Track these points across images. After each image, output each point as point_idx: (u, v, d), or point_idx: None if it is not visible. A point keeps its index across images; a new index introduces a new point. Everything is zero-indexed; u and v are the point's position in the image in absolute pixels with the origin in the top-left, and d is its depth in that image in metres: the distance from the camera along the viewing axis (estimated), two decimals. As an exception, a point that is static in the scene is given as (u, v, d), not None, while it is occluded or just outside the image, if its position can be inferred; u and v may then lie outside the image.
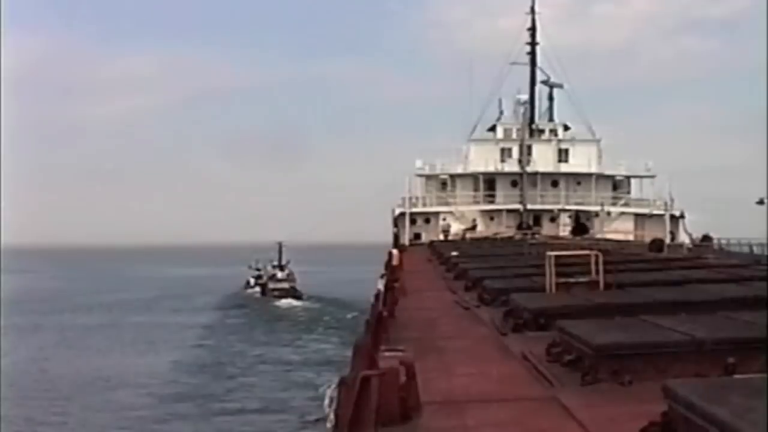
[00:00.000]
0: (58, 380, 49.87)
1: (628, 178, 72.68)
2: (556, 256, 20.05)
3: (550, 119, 77.38)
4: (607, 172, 71.23)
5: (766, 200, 36.21)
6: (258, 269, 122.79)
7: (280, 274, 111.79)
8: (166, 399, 44.04)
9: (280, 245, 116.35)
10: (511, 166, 70.60)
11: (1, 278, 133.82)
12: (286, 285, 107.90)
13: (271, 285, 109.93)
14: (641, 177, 71.79)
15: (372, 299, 22.55)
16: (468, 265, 30.68)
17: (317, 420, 36.67)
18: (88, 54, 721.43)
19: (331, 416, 25.87)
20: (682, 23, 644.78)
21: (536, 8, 77.27)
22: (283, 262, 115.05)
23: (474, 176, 70.89)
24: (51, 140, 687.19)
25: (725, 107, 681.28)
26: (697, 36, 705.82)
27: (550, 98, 77.90)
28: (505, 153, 71.98)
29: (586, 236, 59.32)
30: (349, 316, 73.45)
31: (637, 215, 68.65)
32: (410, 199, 69.77)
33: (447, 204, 70.32)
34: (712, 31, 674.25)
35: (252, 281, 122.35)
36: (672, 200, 66.64)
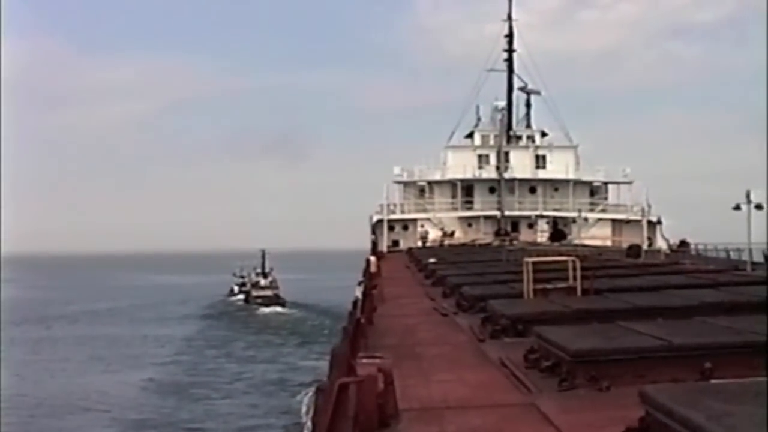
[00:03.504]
0: (10, 401, 45.06)
1: (605, 184, 72.89)
2: (534, 263, 20.10)
3: (528, 126, 77.61)
4: (585, 178, 71.43)
5: (744, 205, 36.38)
6: (242, 277, 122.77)
7: (263, 282, 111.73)
8: (130, 427, 40.55)
9: (264, 252, 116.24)
10: (489, 173, 70.72)
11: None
12: (269, 292, 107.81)
13: (254, 292, 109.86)
14: (619, 183, 72.03)
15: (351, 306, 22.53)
16: (446, 272, 30.72)
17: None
18: (76, 62, 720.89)
19: (309, 424, 25.77)
20: (666, 29, 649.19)
21: (515, 15, 77.51)
22: (267, 270, 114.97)
23: (452, 183, 70.93)
24: (37, 148, 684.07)
25: (710, 112, 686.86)
26: (681, 41, 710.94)
27: (528, 105, 78.22)
28: (482, 159, 72.08)
29: (564, 242, 59.43)
30: (332, 324, 72.30)
31: (614, 221, 68.85)
32: (388, 206, 69.70)
33: (425, 211, 70.29)
34: (697, 36, 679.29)
35: (236, 289, 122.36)
36: (649, 206, 66.90)
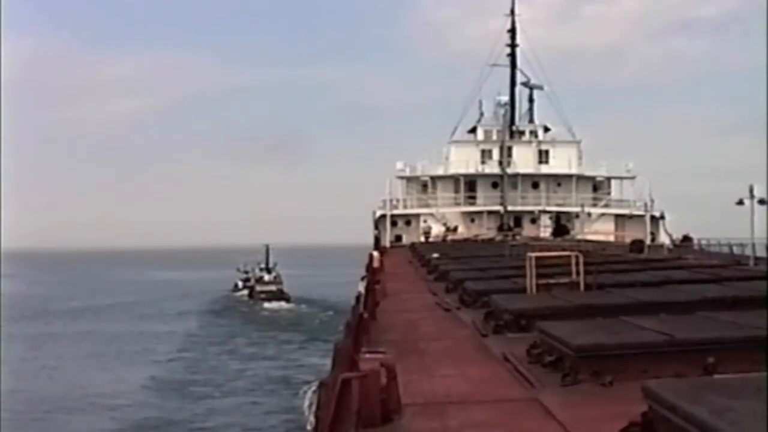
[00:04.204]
0: (7, 399, 43.76)
1: (608, 179, 72.88)
2: (537, 258, 20.07)
3: (531, 121, 77.56)
4: (588, 173, 71.42)
5: (747, 200, 36.37)
6: (246, 272, 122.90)
7: (267, 277, 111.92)
8: (130, 426, 39.74)
9: (268, 247, 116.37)
10: (492, 168, 70.71)
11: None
12: (273, 288, 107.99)
13: (258, 288, 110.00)
14: (621, 178, 72.04)
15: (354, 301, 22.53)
16: (449, 267, 30.70)
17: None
18: (81, 57, 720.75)
19: (311, 419, 25.78)
20: (671, 24, 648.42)
21: (518, 10, 77.65)
22: (271, 265, 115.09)
23: (455, 178, 70.94)
24: (41, 144, 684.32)
25: (714, 108, 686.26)
26: (686, 37, 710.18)
27: (531, 100, 78.16)
28: (485, 155, 72.09)
29: (567, 237, 59.45)
30: (336, 319, 71.54)
31: (617, 216, 68.85)
32: (391, 201, 69.69)
33: (428, 206, 70.29)
34: (702, 32, 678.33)
35: (240, 284, 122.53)
36: (652, 201, 66.86)
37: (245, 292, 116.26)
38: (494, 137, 72.84)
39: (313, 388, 37.93)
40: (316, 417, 19.42)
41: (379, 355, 8.74)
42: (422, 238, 65.04)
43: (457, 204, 70.26)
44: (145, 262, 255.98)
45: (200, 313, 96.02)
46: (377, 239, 65.69)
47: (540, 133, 75.21)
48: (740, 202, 36.75)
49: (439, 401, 9.94)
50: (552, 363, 11.05)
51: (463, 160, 71.31)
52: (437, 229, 67.09)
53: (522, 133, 75.39)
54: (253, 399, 46.02)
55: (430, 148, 76.65)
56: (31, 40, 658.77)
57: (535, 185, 70.77)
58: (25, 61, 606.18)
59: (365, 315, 15.59)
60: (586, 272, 19.98)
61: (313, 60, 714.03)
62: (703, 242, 51.75)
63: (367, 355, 8.79)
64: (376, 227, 68.63)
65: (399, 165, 72.93)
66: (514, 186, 69.28)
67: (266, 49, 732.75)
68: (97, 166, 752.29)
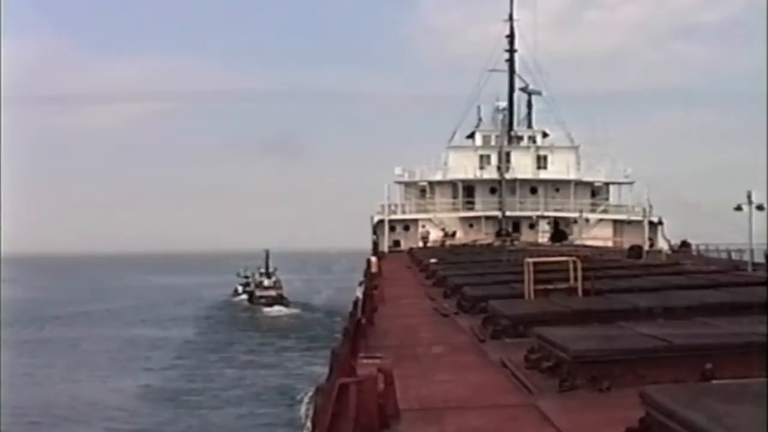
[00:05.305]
0: None
1: (606, 184, 72.79)
2: (535, 263, 20.08)
3: (529, 126, 77.59)
4: (586, 178, 71.34)
5: (745, 206, 36.41)
6: (246, 277, 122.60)
7: (267, 282, 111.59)
8: None
9: (267, 252, 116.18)
10: (490, 173, 70.69)
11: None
12: (273, 293, 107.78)
13: (258, 293, 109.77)
14: (620, 183, 71.99)
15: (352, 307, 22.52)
16: (447, 272, 30.70)
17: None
18: (81, 62, 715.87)
19: (308, 424, 25.71)
20: (672, 29, 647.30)
21: (519, 15, 77.54)
22: (271, 270, 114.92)
23: (453, 183, 70.92)
24: (42, 148, 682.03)
25: (714, 112, 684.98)
26: (687, 42, 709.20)
27: (529, 105, 78.19)
28: (483, 160, 72.09)
29: (565, 243, 59.37)
30: (335, 324, 70.81)
31: (615, 222, 68.81)
32: (389, 206, 69.69)
33: (426, 211, 70.25)
34: (703, 36, 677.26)
35: (240, 289, 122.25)
36: (650, 207, 66.86)
37: (245, 296, 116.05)
38: (493, 142, 72.88)
39: (310, 393, 37.56)
40: (313, 423, 19.37)
41: (377, 361, 8.73)
42: (420, 244, 64.96)
43: (456, 209, 70.22)
44: (144, 267, 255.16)
45: (198, 318, 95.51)
46: (375, 244, 65.64)
47: (538, 138, 75.24)
48: (738, 208, 36.79)
49: (436, 407, 9.93)
50: (550, 368, 11.04)
51: (462, 166, 71.31)
52: (435, 235, 67.04)
53: (520, 138, 75.42)
54: (250, 409, 44.85)
55: (428, 154, 76.56)
56: (32, 45, 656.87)
57: (534, 191, 70.73)
58: (27, 65, 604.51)
59: (363, 320, 15.60)
60: (584, 278, 19.99)
61: (313, 64, 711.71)
62: (702, 248, 51.71)
63: (365, 361, 8.78)
64: (375, 232, 68.55)
65: (397, 170, 72.89)
66: (513, 191, 69.25)
67: (266, 53, 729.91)
68: (98, 170, 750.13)
